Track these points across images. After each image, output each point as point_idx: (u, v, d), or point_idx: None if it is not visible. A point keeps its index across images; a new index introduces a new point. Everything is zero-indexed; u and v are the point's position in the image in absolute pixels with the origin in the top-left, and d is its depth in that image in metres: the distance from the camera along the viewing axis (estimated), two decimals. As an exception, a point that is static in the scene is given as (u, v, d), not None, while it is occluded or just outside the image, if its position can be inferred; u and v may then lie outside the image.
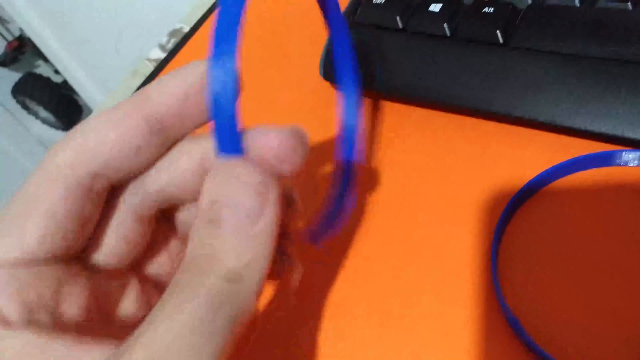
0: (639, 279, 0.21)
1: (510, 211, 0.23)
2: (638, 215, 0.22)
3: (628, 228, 0.22)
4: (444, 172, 0.26)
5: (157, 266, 0.19)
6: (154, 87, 0.16)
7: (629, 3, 0.24)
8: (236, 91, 0.14)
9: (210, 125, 0.15)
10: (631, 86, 0.23)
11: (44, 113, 1.30)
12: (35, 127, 1.37)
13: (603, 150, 0.23)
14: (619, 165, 0.24)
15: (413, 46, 0.28)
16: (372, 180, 0.27)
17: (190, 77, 0.15)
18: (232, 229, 0.14)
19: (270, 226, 0.14)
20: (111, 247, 0.17)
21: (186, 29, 0.42)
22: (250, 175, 0.14)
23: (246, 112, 0.33)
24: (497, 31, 0.26)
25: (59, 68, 1.07)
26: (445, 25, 0.28)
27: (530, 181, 0.24)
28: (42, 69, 1.35)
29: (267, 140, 0.15)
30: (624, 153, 0.23)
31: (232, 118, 0.14)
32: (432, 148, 0.27)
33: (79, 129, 0.16)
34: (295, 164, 0.15)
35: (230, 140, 0.14)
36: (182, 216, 0.19)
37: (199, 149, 0.16)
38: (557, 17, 0.26)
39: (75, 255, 0.16)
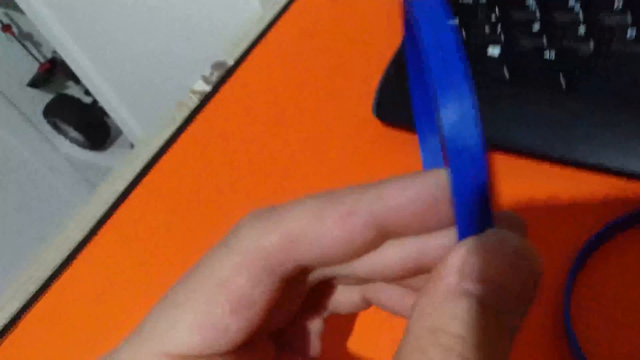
0: None
1: (585, 254, 0.23)
2: None
3: None
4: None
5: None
6: (389, 186, 0.13)
7: (699, 51, 0.24)
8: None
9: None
10: None
11: (73, 133, 1.32)
12: (64, 146, 1.39)
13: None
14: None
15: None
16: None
17: (434, 187, 0.13)
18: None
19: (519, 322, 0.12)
20: (281, 321, 0.16)
21: (230, 62, 0.43)
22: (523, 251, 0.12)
23: (297, 150, 0.33)
24: (560, 77, 0.26)
25: (91, 89, 1.09)
26: (504, 69, 0.27)
27: (606, 225, 0.23)
28: (72, 90, 1.38)
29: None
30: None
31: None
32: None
33: (286, 210, 0.13)
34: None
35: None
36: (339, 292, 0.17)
37: (413, 242, 0.14)
38: (622, 64, 0.25)
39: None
